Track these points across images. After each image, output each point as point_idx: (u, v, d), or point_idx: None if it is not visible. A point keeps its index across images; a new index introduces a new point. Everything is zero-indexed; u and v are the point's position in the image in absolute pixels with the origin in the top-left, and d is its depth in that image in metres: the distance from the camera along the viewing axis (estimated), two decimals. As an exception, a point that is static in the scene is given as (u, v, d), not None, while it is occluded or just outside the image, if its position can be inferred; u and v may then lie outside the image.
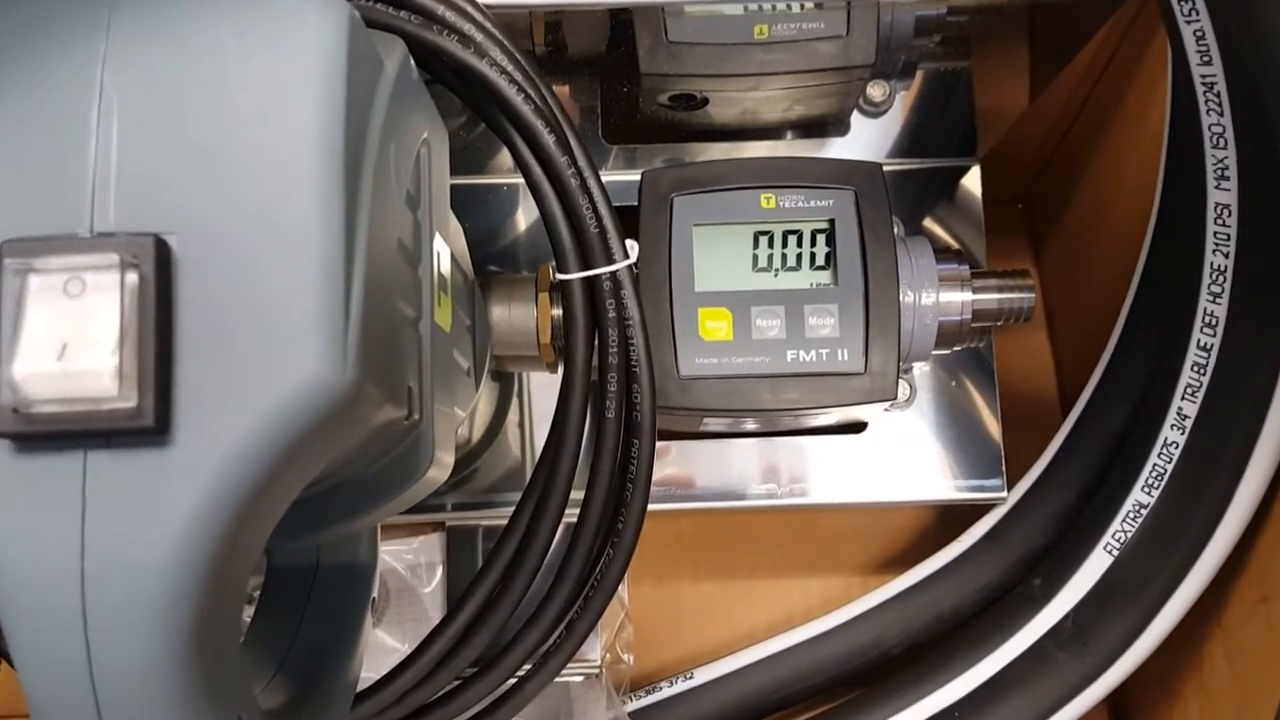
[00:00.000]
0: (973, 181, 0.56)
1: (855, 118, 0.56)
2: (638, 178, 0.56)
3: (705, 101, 0.51)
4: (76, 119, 0.25)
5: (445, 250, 0.39)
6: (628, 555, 0.41)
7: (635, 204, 0.50)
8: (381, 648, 0.56)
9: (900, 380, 0.46)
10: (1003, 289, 0.49)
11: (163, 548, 0.24)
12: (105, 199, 0.25)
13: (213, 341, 0.25)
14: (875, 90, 0.55)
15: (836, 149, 0.56)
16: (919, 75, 0.56)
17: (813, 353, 0.45)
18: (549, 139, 0.36)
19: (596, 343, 0.40)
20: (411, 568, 0.57)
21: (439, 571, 0.57)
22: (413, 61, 0.34)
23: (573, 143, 0.38)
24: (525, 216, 0.58)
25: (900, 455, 0.54)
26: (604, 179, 0.56)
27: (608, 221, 0.39)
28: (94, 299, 0.24)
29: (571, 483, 0.40)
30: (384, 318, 0.30)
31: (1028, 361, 0.67)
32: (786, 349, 0.46)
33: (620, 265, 0.39)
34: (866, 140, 0.56)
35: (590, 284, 0.39)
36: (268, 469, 0.25)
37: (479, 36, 0.36)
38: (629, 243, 0.40)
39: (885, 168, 0.56)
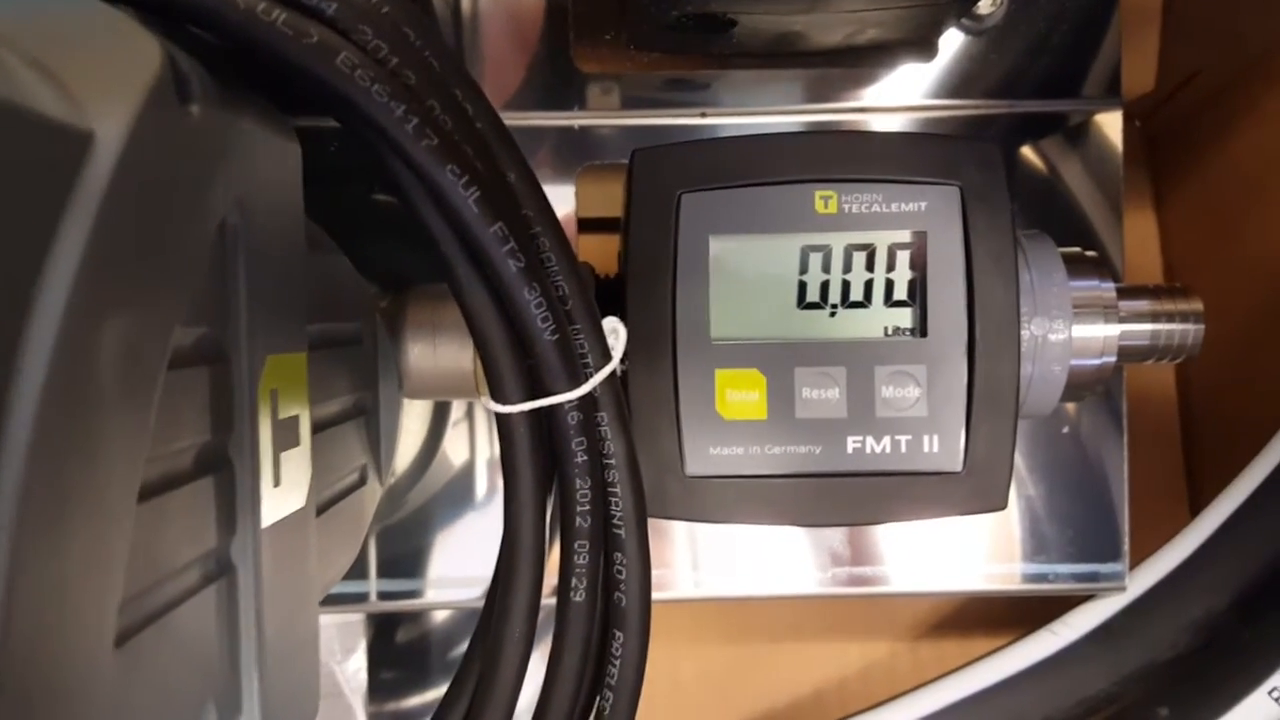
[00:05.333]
0: (1111, 129, 0.39)
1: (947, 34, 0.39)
2: (623, 122, 0.39)
3: (732, 24, 0.34)
4: None
5: (299, 362, 0.23)
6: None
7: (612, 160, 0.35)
8: (290, 739, 0.43)
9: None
10: (1158, 316, 0.34)
11: None
12: None
13: None
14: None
15: (912, 80, 0.39)
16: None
17: (885, 440, 0.30)
18: (468, 201, 0.20)
19: (556, 490, 0.25)
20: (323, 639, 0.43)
21: (361, 641, 0.43)
22: (196, 81, 0.17)
23: (514, 181, 0.22)
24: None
25: (987, 528, 0.39)
26: (577, 121, 0.40)
27: (575, 310, 0.23)
28: None
29: (515, 701, 0.26)
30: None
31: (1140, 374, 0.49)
32: (847, 434, 0.30)
33: (593, 383, 0.23)
34: (959, 67, 0.39)
35: (545, 416, 0.24)
36: None
37: (331, 8, 0.19)
38: (608, 326, 0.25)
39: (985, 110, 0.39)
